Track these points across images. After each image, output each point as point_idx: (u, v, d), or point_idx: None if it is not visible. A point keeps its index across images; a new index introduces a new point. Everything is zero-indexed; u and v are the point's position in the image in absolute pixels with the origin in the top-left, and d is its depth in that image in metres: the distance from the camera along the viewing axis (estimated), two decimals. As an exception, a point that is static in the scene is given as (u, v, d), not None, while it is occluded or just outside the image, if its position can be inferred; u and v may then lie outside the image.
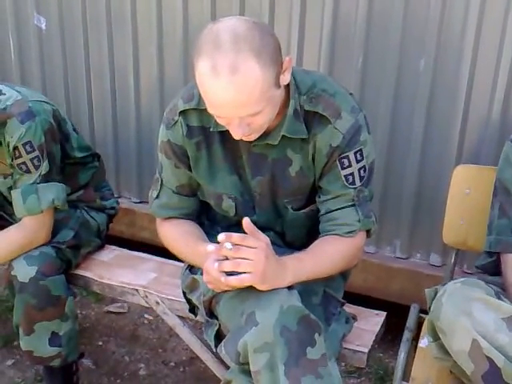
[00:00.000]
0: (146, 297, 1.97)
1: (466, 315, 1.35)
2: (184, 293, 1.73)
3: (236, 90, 1.32)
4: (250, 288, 1.41)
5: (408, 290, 2.21)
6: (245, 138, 1.46)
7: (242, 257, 1.37)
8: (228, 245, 1.37)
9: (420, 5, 2.01)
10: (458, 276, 1.80)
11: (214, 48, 1.32)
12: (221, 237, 1.37)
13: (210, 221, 1.75)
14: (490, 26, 1.95)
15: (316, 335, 1.40)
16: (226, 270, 1.38)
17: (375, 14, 2.07)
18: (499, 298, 1.45)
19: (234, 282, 1.38)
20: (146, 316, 2.69)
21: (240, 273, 1.38)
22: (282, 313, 1.37)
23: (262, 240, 1.40)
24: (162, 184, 1.69)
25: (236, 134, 1.43)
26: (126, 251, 2.23)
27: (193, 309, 1.75)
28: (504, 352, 1.31)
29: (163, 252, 2.17)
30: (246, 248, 1.37)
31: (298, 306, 1.41)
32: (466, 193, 1.83)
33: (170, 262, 2.09)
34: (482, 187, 1.79)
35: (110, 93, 2.62)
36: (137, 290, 1.98)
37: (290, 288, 1.44)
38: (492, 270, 1.69)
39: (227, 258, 1.39)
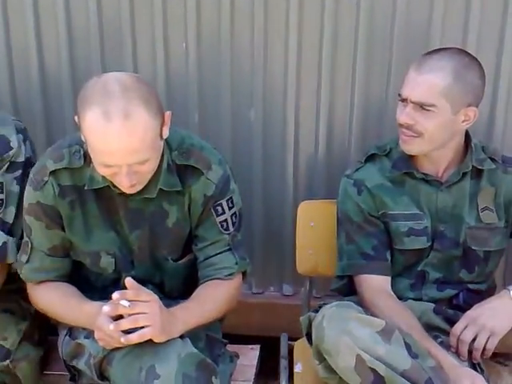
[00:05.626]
0: None
1: (346, 334, 1.50)
2: (64, 361, 1.70)
3: (128, 135, 1.38)
4: (143, 343, 1.44)
5: (267, 322, 2.34)
6: (128, 191, 1.50)
7: (138, 312, 1.41)
8: (125, 302, 1.40)
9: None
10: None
11: (104, 96, 1.38)
12: (115, 295, 1.40)
13: (82, 281, 1.73)
14: (307, 72, 2.13)
15: (213, 378, 1.48)
16: (125, 328, 1.40)
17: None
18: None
19: (136, 338, 1.41)
20: None
21: (137, 329, 1.41)
22: (180, 361, 1.43)
23: (150, 293, 1.46)
24: (32, 247, 1.66)
25: (123, 184, 1.47)
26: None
27: (73, 377, 1.72)
28: (383, 361, 1.48)
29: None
30: (141, 302, 1.42)
31: (194, 352, 1.48)
32: (311, 225, 2.01)
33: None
34: (324, 219, 1.98)
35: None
36: None
37: (181, 337, 1.51)
38: (345, 291, 1.89)
39: (121, 317, 1.42)
